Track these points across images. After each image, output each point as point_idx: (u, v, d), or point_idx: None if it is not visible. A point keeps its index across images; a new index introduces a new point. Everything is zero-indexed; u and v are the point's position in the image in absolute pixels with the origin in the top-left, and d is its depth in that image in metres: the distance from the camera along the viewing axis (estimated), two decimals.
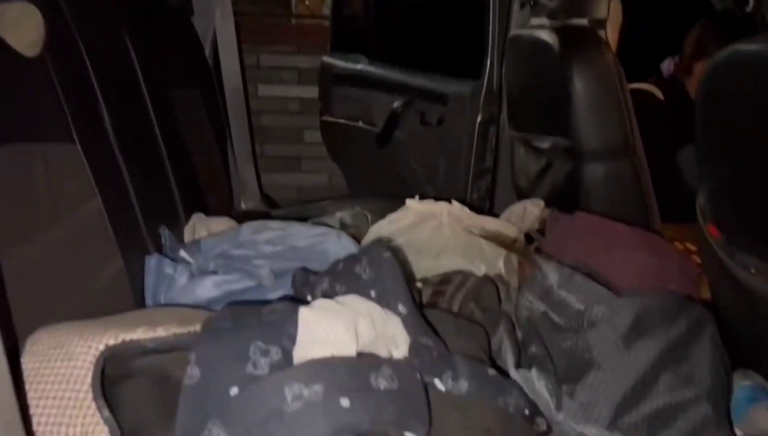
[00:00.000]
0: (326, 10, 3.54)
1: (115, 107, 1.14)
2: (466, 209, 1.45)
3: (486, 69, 2.22)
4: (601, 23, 1.72)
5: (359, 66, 2.76)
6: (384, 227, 1.43)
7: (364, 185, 2.99)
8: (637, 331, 0.91)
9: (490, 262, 1.30)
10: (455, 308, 1.06)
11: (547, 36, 1.69)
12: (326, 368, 0.60)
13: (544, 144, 1.85)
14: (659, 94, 2.16)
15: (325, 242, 1.22)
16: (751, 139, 1.02)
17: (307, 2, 3.80)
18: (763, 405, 0.98)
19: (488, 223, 1.44)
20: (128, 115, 1.27)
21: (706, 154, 1.15)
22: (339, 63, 2.83)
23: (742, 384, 1.03)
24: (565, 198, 1.68)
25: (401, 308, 0.74)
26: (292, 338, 0.64)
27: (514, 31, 1.99)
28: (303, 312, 0.66)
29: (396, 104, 2.51)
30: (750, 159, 1.04)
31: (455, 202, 1.46)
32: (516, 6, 2.07)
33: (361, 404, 0.57)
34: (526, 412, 0.77)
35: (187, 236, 1.39)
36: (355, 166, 2.93)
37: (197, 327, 0.69)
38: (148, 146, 1.37)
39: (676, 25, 2.35)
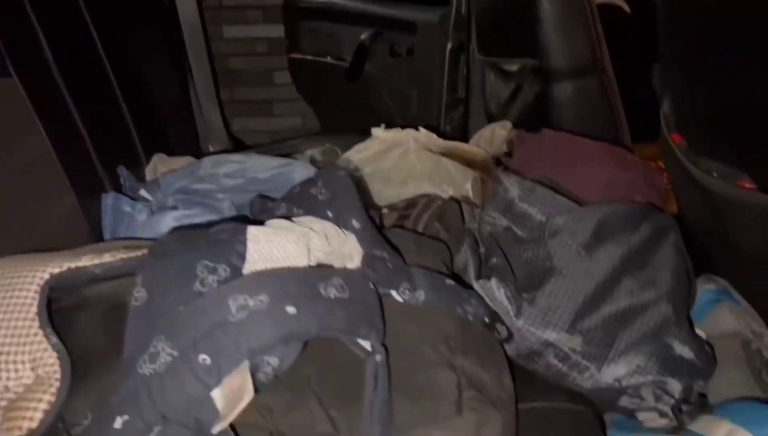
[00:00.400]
0: None
1: (57, 41, 1.09)
2: (434, 135, 1.43)
3: None
4: None
5: None
6: (351, 158, 1.41)
7: (336, 123, 2.94)
8: (599, 238, 0.91)
9: (458, 185, 1.28)
10: (420, 229, 1.05)
11: None
12: (272, 279, 0.59)
13: (513, 67, 1.81)
14: (626, 8, 2.11)
15: (288, 172, 1.19)
16: (712, 44, 1.00)
17: None
18: (726, 305, 0.99)
19: (456, 147, 1.42)
20: (74, 50, 1.22)
21: (669, 62, 1.13)
22: None
23: (707, 288, 1.04)
24: (536, 119, 1.66)
25: (355, 223, 0.73)
26: (241, 256, 0.63)
27: None
28: (252, 230, 0.65)
29: (364, 36, 2.44)
30: (712, 65, 1.02)
31: (422, 129, 1.43)
32: None
33: (309, 311, 0.56)
34: (486, 320, 0.77)
35: (149, 176, 1.36)
36: (327, 103, 2.88)
37: (145, 252, 0.68)
38: (100, 84, 1.32)
39: None
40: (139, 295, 0.61)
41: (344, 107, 2.77)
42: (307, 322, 0.56)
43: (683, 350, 0.85)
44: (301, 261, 0.64)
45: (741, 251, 0.97)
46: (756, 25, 0.87)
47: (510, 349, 0.83)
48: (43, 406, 0.56)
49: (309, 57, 2.74)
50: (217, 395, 0.53)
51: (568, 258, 0.88)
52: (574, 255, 0.88)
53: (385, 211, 1.17)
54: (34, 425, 0.55)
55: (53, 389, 0.57)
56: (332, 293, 0.59)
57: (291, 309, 0.55)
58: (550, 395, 0.81)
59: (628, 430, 0.82)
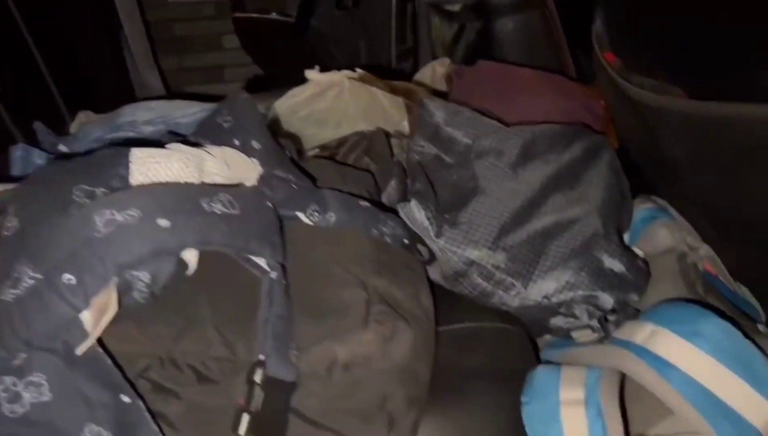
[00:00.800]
0: None
1: None
2: (369, 74, 1.38)
3: None
4: None
5: None
6: (283, 103, 1.35)
7: (286, 80, 2.87)
8: (527, 157, 0.88)
9: (395, 122, 1.24)
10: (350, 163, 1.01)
11: None
12: (145, 193, 0.54)
13: (456, 7, 1.76)
14: None
15: None
16: None
17: None
18: (661, 222, 0.97)
19: (395, 85, 1.38)
20: None
21: None
22: None
23: (643, 207, 1.02)
24: (480, 58, 1.62)
25: (255, 143, 0.68)
26: (123, 178, 0.58)
27: None
28: (135, 151, 0.60)
29: None
30: None
31: (359, 70, 1.38)
32: None
33: (185, 225, 0.52)
34: (405, 241, 0.74)
35: (73, 132, 1.29)
36: (275, 61, 2.81)
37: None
38: (10, 39, 1.24)
39: None
40: (10, 224, 0.56)
41: (292, 64, 2.70)
42: (182, 235, 0.52)
43: (614, 264, 0.83)
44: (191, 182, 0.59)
45: (672, 163, 0.95)
46: None
47: (435, 273, 0.79)
48: None
49: (254, 15, 2.66)
50: (85, 316, 0.49)
51: (493, 178, 0.84)
52: (500, 175, 0.85)
53: (316, 151, 1.13)
54: None
55: None
56: (217, 208, 0.55)
57: (163, 222, 0.51)
58: (478, 316, 0.78)
59: (558, 347, 0.80)
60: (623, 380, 0.67)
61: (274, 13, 2.59)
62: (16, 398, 0.47)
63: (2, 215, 0.58)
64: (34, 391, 0.48)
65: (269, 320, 0.54)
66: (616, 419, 0.61)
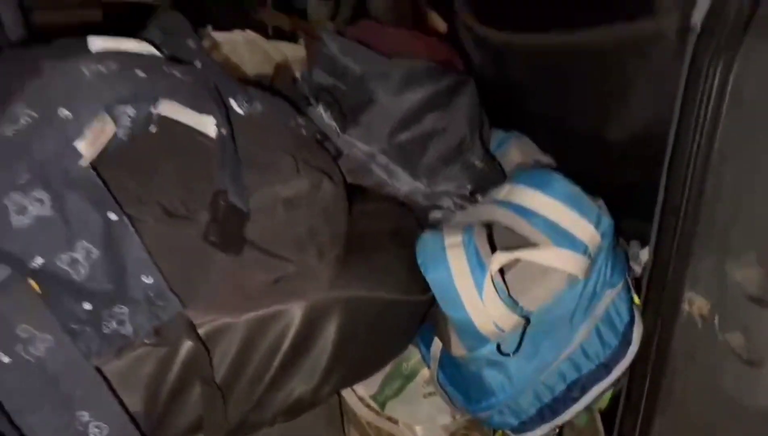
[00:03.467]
0: None
1: None
2: (262, 37, 1.52)
3: None
4: None
5: None
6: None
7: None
8: (408, 82, 1.07)
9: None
10: None
11: None
12: (119, 54, 0.66)
13: None
14: None
15: None
16: None
17: None
18: (513, 142, 1.22)
19: (282, 46, 1.53)
20: None
21: None
22: None
23: (499, 134, 1.26)
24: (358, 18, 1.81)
25: (191, 42, 0.81)
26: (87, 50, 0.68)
27: None
28: (92, 38, 0.70)
29: None
30: None
31: (250, 32, 1.51)
32: None
33: (156, 79, 0.65)
34: (318, 136, 0.90)
35: None
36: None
37: None
38: None
39: None
40: None
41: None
42: (155, 86, 0.64)
43: (477, 162, 1.05)
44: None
45: (518, 88, 1.20)
46: None
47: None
48: None
49: None
50: (80, 144, 0.59)
51: (384, 93, 1.03)
52: (389, 91, 1.04)
53: None
54: None
55: None
56: (176, 72, 0.68)
57: (141, 73, 0.63)
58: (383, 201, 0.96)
59: None
60: (491, 228, 0.88)
61: None
62: (22, 210, 0.57)
63: None
64: (38, 205, 0.58)
65: (225, 161, 0.68)
66: (486, 247, 0.82)
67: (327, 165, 0.81)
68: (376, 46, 1.35)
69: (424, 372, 1.12)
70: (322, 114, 0.93)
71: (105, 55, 0.64)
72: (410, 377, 1.15)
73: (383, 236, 0.89)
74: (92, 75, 0.61)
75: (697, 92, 0.77)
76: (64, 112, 0.59)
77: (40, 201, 0.58)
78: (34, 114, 0.59)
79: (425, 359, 1.06)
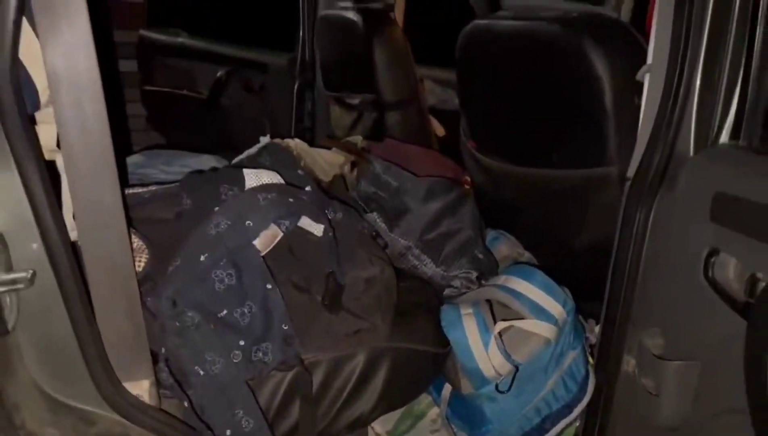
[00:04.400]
0: None
1: None
2: (306, 144, 1.94)
3: (299, 42, 2.71)
4: (391, 7, 2.31)
5: (180, 39, 3.03)
6: (244, 160, 1.85)
7: (189, 149, 3.22)
8: (430, 195, 1.49)
9: (330, 174, 1.81)
10: None
11: (353, 16, 2.22)
12: (275, 187, 1.05)
13: (355, 100, 2.39)
14: None
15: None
16: (489, 84, 1.66)
17: None
18: (503, 240, 1.63)
19: (324, 152, 1.95)
20: None
21: (463, 96, 1.78)
22: (159, 36, 3.06)
23: (491, 234, 1.68)
24: (374, 138, 2.25)
25: (300, 172, 1.21)
26: (243, 182, 1.08)
27: (323, 11, 2.49)
28: (245, 170, 1.10)
29: (220, 73, 2.85)
30: (487, 98, 1.68)
31: (298, 140, 1.93)
32: None
33: (298, 202, 1.04)
34: (374, 233, 1.30)
35: None
36: (181, 131, 3.14)
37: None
38: None
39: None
40: (187, 202, 1.03)
41: (199, 134, 3.11)
42: (297, 209, 1.03)
43: (480, 255, 1.46)
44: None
45: (508, 204, 1.63)
46: (505, 80, 1.53)
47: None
48: (143, 262, 0.96)
49: (165, 89, 3.04)
50: (256, 242, 0.98)
51: (413, 205, 1.44)
52: (417, 203, 1.45)
53: None
54: (140, 268, 0.95)
55: (145, 254, 0.97)
56: (303, 196, 1.07)
57: (290, 199, 1.02)
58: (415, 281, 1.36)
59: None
60: (492, 304, 1.27)
61: (185, 90, 3.00)
62: (221, 280, 0.95)
63: (176, 198, 1.05)
64: (228, 278, 0.96)
65: (331, 253, 1.07)
66: (489, 317, 1.21)
67: (384, 255, 1.21)
68: (400, 161, 1.79)
69: (431, 413, 1.48)
70: (375, 219, 1.34)
71: (267, 187, 1.04)
72: (420, 416, 1.51)
73: (417, 306, 1.27)
74: (264, 200, 1.00)
75: (629, 222, 1.18)
76: (247, 222, 0.98)
77: (230, 275, 0.96)
78: (229, 222, 0.98)
79: (436, 402, 1.42)
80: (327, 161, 1.87)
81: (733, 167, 0.96)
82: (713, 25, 1.02)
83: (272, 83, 2.81)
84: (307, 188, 1.14)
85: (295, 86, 2.75)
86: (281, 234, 1.01)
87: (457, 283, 1.42)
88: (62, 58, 0.79)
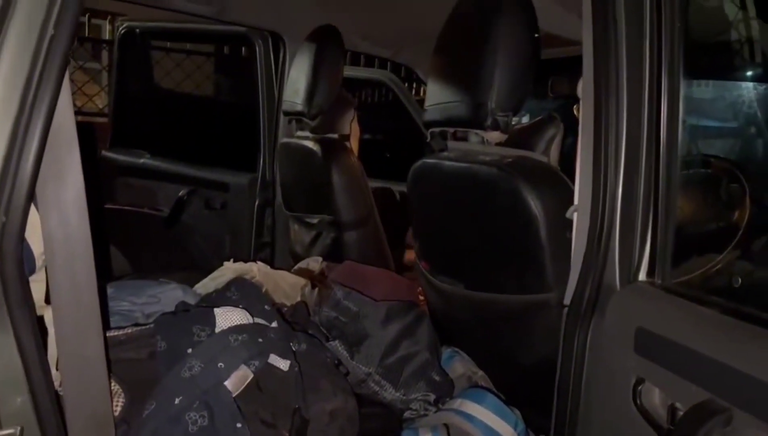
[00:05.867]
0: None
1: None
2: (269, 267, 2.04)
3: (260, 164, 2.88)
4: (346, 137, 2.51)
5: (142, 160, 3.16)
6: (208, 284, 1.93)
7: (149, 264, 3.27)
8: (388, 318, 1.59)
9: (292, 297, 1.89)
10: None
11: (312, 145, 2.41)
12: (244, 328, 1.14)
13: (314, 220, 2.53)
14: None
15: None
16: (435, 214, 1.82)
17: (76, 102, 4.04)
18: (457, 359, 1.73)
19: (286, 275, 2.05)
20: None
21: (416, 224, 1.93)
22: (122, 157, 3.18)
23: (446, 351, 1.78)
24: (332, 255, 2.37)
25: (267, 307, 1.30)
26: (214, 323, 1.16)
27: (284, 139, 2.68)
28: (216, 310, 1.19)
29: (182, 192, 2.97)
30: (437, 226, 1.83)
31: (260, 263, 2.03)
32: (282, 120, 2.77)
33: (266, 341, 1.12)
34: (336, 362, 1.38)
35: None
36: (140, 248, 3.18)
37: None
38: None
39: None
40: (162, 344, 1.10)
41: (159, 250, 3.17)
42: (268, 346, 1.12)
43: (437, 378, 1.55)
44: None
45: (459, 324, 1.74)
46: (452, 212, 1.69)
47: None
48: (119, 406, 1.01)
49: (126, 207, 3.12)
50: (228, 383, 1.05)
51: (373, 329, 1.54)
52: (376, 327, 1.55)
53: None
54: (116, 412, 1.00)
55: (122, 399, 1.02)
56: (272, 334, 1.16)
57: (260, 340, 1.11)
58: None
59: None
60: (448, 427, 1.35)
61: (146, 208, 3.09)
62: (194, 422, 1.01)
63: (151, 339, 1.12)
64: (201, 420, 1.02)
65: (297, 388, 1.14)
66: None
67: (347, 385, 1.29)
68: (358, 283, 1.90)
69: None
70: (337, 346, 1.42)
71: (238, 328, 1.13)
72: None
73: (379, 433, 1.34)
74: (234, 342, 1.09)
75: (569, 345, 1.30)
76: (219, 364, 1.06)
77: (203, 417, 1.02)
78: (202, 364, 1.05)
79: None
80: (289, 284, 1.97)
81: (650, 304, 1.10)
82: (627, 170, 1.18)
83: (233, 201, 2.95)
84: (274, 324, 1.23)
85: (256, 204, 2.89)
86: (251, 375, 1.09)
87: (415, 405, 1.49)
88: (59, 225, 0.88)
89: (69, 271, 0.89)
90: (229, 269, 1.97)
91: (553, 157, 1.57)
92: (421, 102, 3.41)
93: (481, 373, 1.69)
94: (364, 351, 1.47)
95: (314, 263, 2.17)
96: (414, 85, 3.89)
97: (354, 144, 2.58)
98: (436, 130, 1.69)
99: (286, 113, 2.61)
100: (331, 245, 2.46)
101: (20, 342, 0.83)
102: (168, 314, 1.22)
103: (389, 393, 1.45)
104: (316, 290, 1.76)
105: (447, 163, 1.66)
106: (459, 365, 1.73)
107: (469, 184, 1.59)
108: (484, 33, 1.48)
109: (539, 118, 1.61)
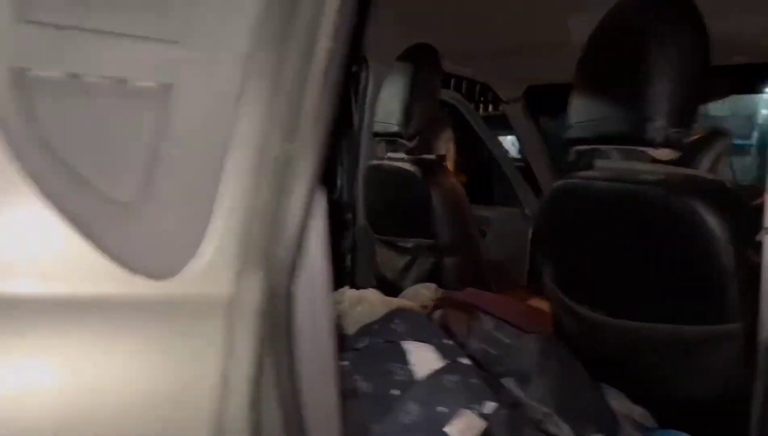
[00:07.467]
0: None
1: None
2: (381, 294, 1.94)
3: (337, 188, 2.79)
4: (443, 157, 2.42)
5: None
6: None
7: None
8: (544, 353, 1.48)
9: None
10: None
11: (409, 166, 2.31)
12: (457, 366, 1.03)
13: (408, 244, 2.43)
14: None
15: None
16: (580, 237, 1.71)
17: None
18: (611, 394, 1.61)
19: (396, 301, 1.94)
20: None
21: (551, 246, 1.82)
22: None
23: None
24: (430, 281, 2.26)
25: (436, 340, 1.20)
26: (407, 359, 1.06)
27: (374, 161, 2.58)
28: (405, 344, 1.09)
29: None
30: (581, 250, 1.72)
31: (372, 289, 1.93)
32: (365, 141, 2.68)
33: (480, 384, 1.02)
34: (515, 402, 1.27)
35: None
36: None
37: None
38: None
39: None
40: (364, 385, 1.00)
41: None
42: (482, 388, 1.01)
43: (606, 415, 1.43)
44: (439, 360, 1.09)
45: (603, 356, 1.63)
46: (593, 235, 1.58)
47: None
48: None
49: None
50: (449, 428, 0.94)
51: (532, 364, 1.42)
52: (534, 362, 1.43)
53: None
54: None
55: None
56: (478, 379, 1.06)
57: (474, 381, 1.00)
58: None
59: None
60: None
61: None
62: None
63: (351, 377, 1.01)
64: None
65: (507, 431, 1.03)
66: None
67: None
68: (486, 308, 1.79)
69: None
70: (511, 384, 1.32)
71: (448, 369, 1.02)
72: None
73: None
74: (450, 385, 0.98)
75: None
76: (440, 408, 0.95)
77: None
78: (421, 408, 0.95)
79: None
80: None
81: None
82: None
83: None
84: (465, 361, 1.13)
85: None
86: (476, 419, 0.98)
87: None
88: None
89: None
90: (348, 295, 1.88)
91: (723, 174, 1.47)
92: (486, 120, 3.33)
93: (640, 410, 1.57)
94: (534, 388, 1.35)
95: (425, 290, 2.07)
96: (480, 107, 3.80)
97: (450, 165, 2.49)
98: (583, 148, 1.59)
99: (377, 134, 2.52)
100: (429, 270, 2.35)
101: None
102: (354, 351, 1.12)
103: (566, 434, 1.34)
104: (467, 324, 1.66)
105: (599, 183, 1.55)
106: (614, 402, 1.61)
107: (630, 207, 1.49)
108: (646, 41, 1.38)
109: (707, 131, 1.51)
